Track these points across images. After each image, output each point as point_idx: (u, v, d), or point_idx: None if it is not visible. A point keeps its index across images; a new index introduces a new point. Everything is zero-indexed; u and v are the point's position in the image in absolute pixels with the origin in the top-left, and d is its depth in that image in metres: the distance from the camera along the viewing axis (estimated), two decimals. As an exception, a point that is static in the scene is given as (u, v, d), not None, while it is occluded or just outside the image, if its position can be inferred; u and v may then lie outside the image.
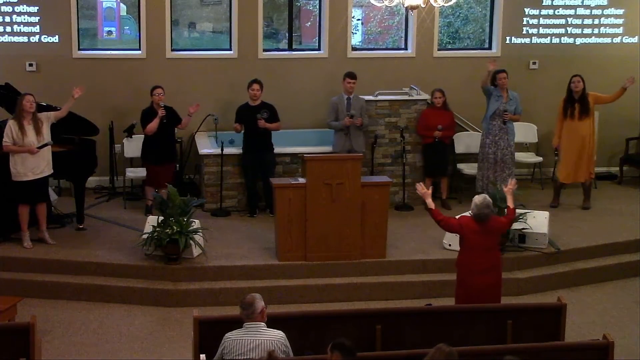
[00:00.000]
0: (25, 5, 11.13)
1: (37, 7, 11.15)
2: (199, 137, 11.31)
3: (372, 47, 12.62)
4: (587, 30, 12.37)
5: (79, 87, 9.50)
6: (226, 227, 10.20)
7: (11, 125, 9.10)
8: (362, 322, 6.75)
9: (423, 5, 10.11)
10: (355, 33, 12.33)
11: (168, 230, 8.89)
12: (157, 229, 8.97)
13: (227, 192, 10.72)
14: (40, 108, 9.44)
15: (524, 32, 12.23)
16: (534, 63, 12.29)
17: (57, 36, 11.24)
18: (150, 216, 9.49)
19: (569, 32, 12.35)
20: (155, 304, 8.85)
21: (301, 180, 9.29)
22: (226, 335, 6.07)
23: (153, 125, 10.23)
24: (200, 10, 12.15)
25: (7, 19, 11.14)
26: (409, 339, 6.66)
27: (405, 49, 12.14)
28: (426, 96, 11.13)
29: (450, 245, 9.45)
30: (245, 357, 5.94)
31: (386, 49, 12.47)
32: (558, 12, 12.28)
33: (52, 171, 9.43)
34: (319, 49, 11.96)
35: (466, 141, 11.55)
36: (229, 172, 10.70)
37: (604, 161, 12.31)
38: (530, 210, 9.72)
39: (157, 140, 10.31)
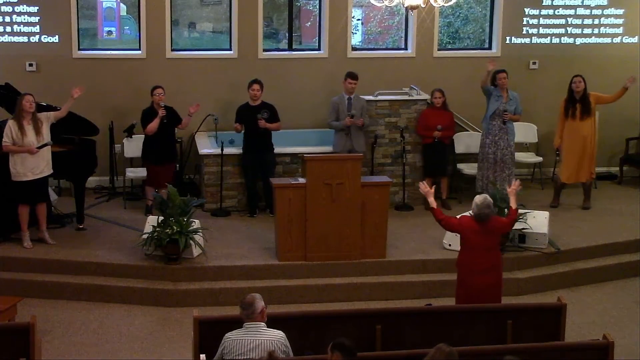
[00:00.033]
0: (25, 5, 11.13)
1: (37, 7, 11.15)
2: (199, 137, 11.31)
3: (372, 47, 12.62)
4: (587, 30, 12.37)
5: (78, 87, 9.50)
6: (226, 227, 10.20)
7: (11, 125, 9.10)
8: (362, 322, 6.75)
9: (423, 5, 10.11)
10: (355, 33, 12.33)
11: (168, 230, 8.89)
12: (157, 229, 8.97)
13: (227, 192, 10.72)
14: (40, 108, 9.44)
15: (524, 32, 12.24)
16: (534, 63, 12.29)
17: (57, 36, 11.24)
18: (150, 216, 9.49)
19: (569, 32, 12.35)
20: (155, 304, 8.85)
21: (301, 180, 9.29)
22: (226, 335, 6.07)
23: (153, 125, 10.23)
24: (200, 10, 12.15)
25: (7, 19, 11.14)
26: (409, 339, 6.66)
27: (405, 49, 12.14)
28: (426, 96, 11.13)
29: (450, 245, 9.45)
30: (245, 357, 5.93)
31: (386, 49, 12.47)
32: (558, 12, 12.29)
33: (51, 171, 9.43)
34: (319, 49, 11.96)
35: (466, 141, 11.55)
36: (229, 172, 10.70)
37: (604, 161, 12.31)
38: (530, 210, 9.72)
39: (158, 140, 10.31)
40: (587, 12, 12.33)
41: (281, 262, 9.19)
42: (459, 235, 7.80)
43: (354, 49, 11.99)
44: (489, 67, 10.62)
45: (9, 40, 11.18)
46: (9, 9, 11.12)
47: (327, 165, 9.15)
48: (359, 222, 9.21)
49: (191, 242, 8.99)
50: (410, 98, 11.15)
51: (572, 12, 12.31)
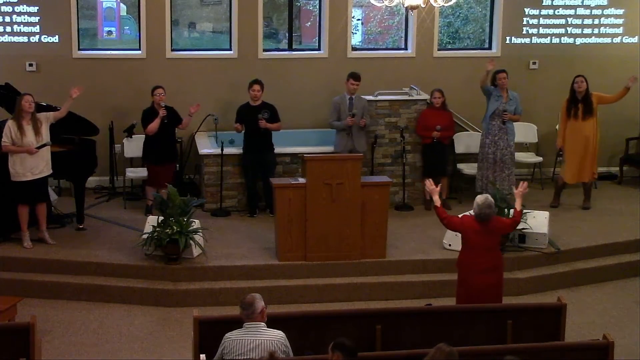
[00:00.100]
0: (25, 5, 11.13)
1: (37, 7, 11.15)
2: (199, 137, 11.31)
3: (372, 47, 12.62)
4: (587, 30, 12.37)
5: (77, 87, 9.49)
6: (226, 227, 10.20)
7: (10, 125, 9.10)
8: (362, 322, 6.75)
9: (423, 5, 10.12)
10: (355, 33, 12.33)
11: (168, 230, 8.89)
12: (157, 229, 8.97)
13: (227, 192, 10.72)
14: (40, 108, 9.44)
15: (524, 32, 12.24)
16: (534, 63, 12.29)
17: (57, 36, 11.24)
18: (150, 216, 9.49)
19: (569, 32, 12.35)
20: (155, 304, 8.85)
21: (301, 180, 9.29)
22: (226, 335, 6.07)
23: (154, 125, 10.23)
24: (200, 10, 12.15)
25: (7, 19, 11.14)
26: (409, 339, 6.66)
27: (405, 49, 12.14)
28: (426, 96, 11.13)
29: (450, 245, 9.45)
30: (245, 357, 5.93)
31: (386, 49, 12.47)
32: (558, 12, 12.29)
33: (51, 171, 9.43)
34: (319, 49, 11.96)
35: (466, 141, 11.55)
36: (229, 172, 10.70)
37: (604, 161, 12.30)
38: (530, 210, 9.71)
39: (158, 140, 10.31)
40: (587, 12, 12.34)
41: (281, 262, 9.19)
42: (459, 236, 7.80)
43: (354, 49, 11.99)
44: (488, 67, 10.62)
45: (9, 40, 11.18)
46: (9, 9, 11.12)
47: (327, 165, 9.15)
48: (359, 222, 9.21)
49: (191, 242, 8.99)
50: (410, 98, 11.15)
51: (572, 12, 12.31)
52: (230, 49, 11.71)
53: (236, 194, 10.80)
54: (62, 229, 9.98)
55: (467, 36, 12.63)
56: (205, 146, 10.97)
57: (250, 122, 10.48)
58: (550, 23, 12.28)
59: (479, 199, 7.48)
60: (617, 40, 12.43)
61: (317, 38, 12.03)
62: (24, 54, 11.19)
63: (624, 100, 11.07)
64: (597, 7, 12.34)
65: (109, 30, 11.95)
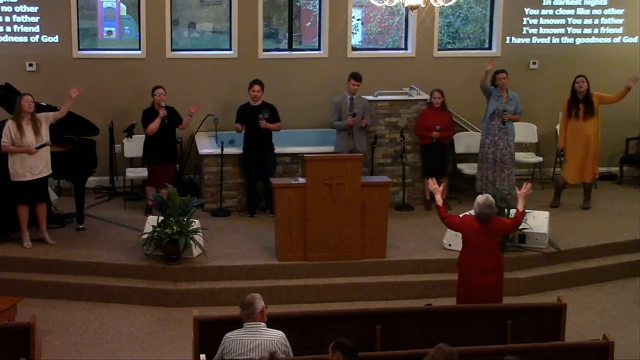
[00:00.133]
0: (25, 5, 11.13)
1: (37, 7, 11.15)
2: (199, 137, 11.31)
3: (372, 47, 12.62)
4: (587, 30, 12.37)
5: (76, 87, 9.49)
6: (226, 227, 10.20)
7: (10, 125, 9.10)
8: (362, 322, 6.75)
9: (423, 5, 10.12)
10: (355, 33, 12.33)
11: (168, 230, 8.89)
12: (157, 229, 8.97)
13: (227, 192, 10.72)
14: (40, 108, 9.45)
15: (524, 32, 12.24)
16: (534, 63, 12.29)
17: (57, 36, 11.24)
18: (150, 216, 9.49)
19: (569, 32, 12.35)
20: (155, 304, 8.85)
21: (301, 180, 9.29)
22: (226, 335, 6.07)
23: (154, 125, 10.23)
24: (200, 10, 12.15)
25: (7, 19, 11.14)
26: (409, 339, 6.66)
27: (405, 49, 12.14)
28: (426, 96, 11.13)
29: (450, 245, 9.45)
30: (245, 357, 5.93)
31: (386, 49, 12.47)
32: (558, 12, 12.29)
33: (51, 171, 9.42)
34: (319, 49, 11.96)
35: (466, 141, 11.55)
36: (229, 172, 10.70)
37: (604, 161, 12.29)
38: (530, 210, 9.70)
39: (158, 140, 10.31)
40: (587, 12, 12.34)
41: (281, 262, 9.19)
42: (459, 236, 7.80)
43: (354, 49, 11.99)
44: (487, 67, 10.62)
45: (9, 40, 11.18)
46: (9, 9, 11.12)
47: (327, 165, 9.15)
48: (359, 222, 9.21)
49: (191, 242, 8.99)
50: (410, 98, 11.15)
51: (572, 12, 12.31)
52: (230, 49, 11.71)
53: (236, 194, 10.79)
54: (62, 229, 9.98)
55: (467, 36, 12.63)
56: (205, 146, 10.97)
57: (250, 122, 10.48)
58: (550, 23, 12.28)
59: (480, 198, 7.48)
60: (617, 40, 12.44)
61: (317, 38, 12.03)
62: (24, 54, 11.19)
63: (624, 100, 11.06)
64: (597, 7, 12.34)
65: (109, 30, 11.95)
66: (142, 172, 10.87)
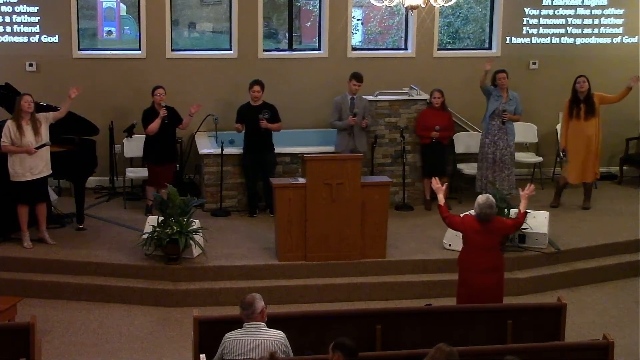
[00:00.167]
0: (25, 5, 11.13)
1: (37, 7, 11.15)
2: (199, 137, 11.31)
3: (372, 47, 12.62)
4: (587, 30, 12.37)
5: (75, 87, 9.49)
6: (226, 227, 10.20)
7: (9, 126, 9.10)
8: (362, 322, 6.75)
9: (423, 5, 10.11)
10: (355, 33, 12.33)
11: (168, 230, 8.89)
12: (157, 229, 8.97)
13: (227, 192, 10.72)
14: (41, 108, 9.45)
15: (524, 32, 12.23)
16: (534, 63, 12.29)
17: (57, 36, 11.24)
18: (150, 216, 9.49)
19: (569, 32, 12.35)
20: (155, 304, 8.85)
21: (301, 180, 9.29)
22: (226, 335, 6.07)
23: (155, 125, 10.23)
24: (200, 10, 12.15)
25: (7, 19, 11.14)
26: (409, 339, 6.66)
27: (405, 49, 12.14)
28: (426, 96, 11.13)
29: (450, 245, 9.45)
30: (245, 357, 5.93)
31: (386, 49, 12.47)
32: (558, 12, 12.28)
33: (50, 172, 9.42)
34: (319, 49, 11.96)
35: (466, 141, 11.55)
36: (229, 172, 10.70)
37: (604, 161, 12.28)
38: (530, 210, 9.70)
39: (159, 140, 10.31)
40: (587, 12, 12.33)
41: (281, 262, 9.19)
42: (459, 235, 7.80)
43: (354, 49, 11.99)
44: (486, 67, 10.63)
45: (9, 40, 11.18)
46: (9, 9, 11.12)
47: (327, 165, 9.15)
48: (359, 222, 9.21)
49: (191, 242, 8.99)
50: (410, 98, 11.15)
51: (572, 12, 12.31)
52: (230, 49, 11.71)
53: (236, 194, 10.79)
54: (62, 229, 9.98)
55: (467, 36, 12.63)
56: (205, 146, 10.97)
57: (250, 122, 10.48)
58: (550, 23, 12.28)
59: (480, 198, 7.48)
60: (617, 40, 12.43)
61: (317, 38, 12.03)
62: (24, 54, 11.19)
63: (624, 100, 11.06)
64: (597, 7, 12.34)
65: (109, 30, 11.95)
66: (142, 172, 10.87)
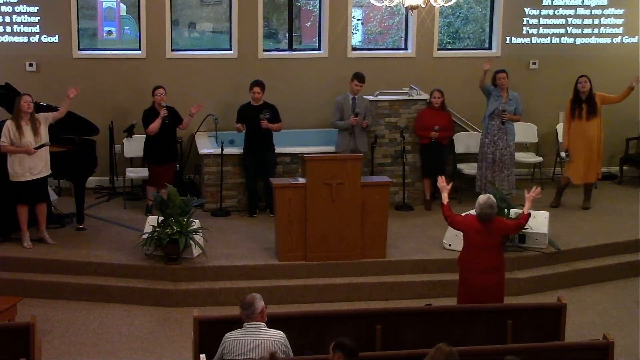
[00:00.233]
0: (25, 5, 11.13)
1: (37, 7, 11.15)
2: (199, 137, 11.31)
3: (372, 47, 12.62)
4: (587, 30, 12.37)
5: (74, 87, 9.49)
6: (226, 227, 10.20)
7: (9, 126, 9.10)
8: (362, 322, 6.75)
9: (423, 5, 10.11)
10: (355, 33, 12.32)
11: (168, 230, 8.89)
12: (157, 229, 8.97)
13: (227, 192, 10.72)
14: (40, 108, 9.45)
15: (524, 32, 12.23)
16: (534, 63, 12.28)
17: (57, 36, 11.24)
18: (150, 216, 9.49)
19: (569, 32, 12.35)
20: (155, 304, 8.85)
21: (301, 180, 9.29)
22: (226, 335, 6.07)
23: (155, 125, 10.23)
24: (200, 10, 12.15)
25: (7, 19, 11.14)
26: (409, 339, 6.66)
27: (405, 49, 12.14)
28: (426, 96, 11.13)
29: (450, 245, 9.45)
30: (245, 357, 5.93)
31: (386, 49, 12.47)
32: (558, 12, 12.28)
33: (50, 172, 9.42)
34: (319, 49, 11.96)
35: (466, 141, 11.55)
36: (229, 172, 10.70)
37: (604, 161, 12.27)
38: (530, 211, 9.69)
39: (159, 140, 10.31)
40: (587, 12, 12.33)
41: (281, 262, 9.19)
42: (459, 235, 7.81)
43: (354, 49, 11.99)
44: (485, 67, 10.63)
45: (9, 40, 11.18)
46: (9, 9, 11.12)
47: (327, 165, 9.15)
48: (359, 222, 9.21)
49: (191, 242, 8.99)
50: (410, 98, 11.15)
51: (572, 12, 12.31)
52: (230, 49, 11.71)
53: (236, 194, 10.79)
54: (62, 229, 9.98)
55: (467, 36, 12.62)
56: (206, 146, 10.97)
57: (251, 122, 10.48)
58: (550, 23, 12.28)
59: (481, 198, 7.48)
60: (617, 40, 12.43)
61: (317, 38, 12.03)
62: (24, 54, 11.19)
63: (624, 100, 11.06)
64: (597, 7, 12.34)
65: (109, 30, 11.95)
66: (142, 172, 10.87)
